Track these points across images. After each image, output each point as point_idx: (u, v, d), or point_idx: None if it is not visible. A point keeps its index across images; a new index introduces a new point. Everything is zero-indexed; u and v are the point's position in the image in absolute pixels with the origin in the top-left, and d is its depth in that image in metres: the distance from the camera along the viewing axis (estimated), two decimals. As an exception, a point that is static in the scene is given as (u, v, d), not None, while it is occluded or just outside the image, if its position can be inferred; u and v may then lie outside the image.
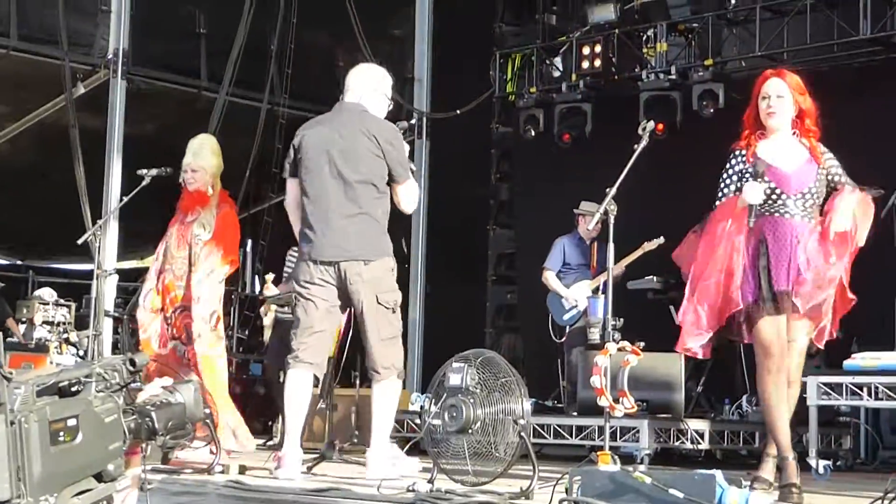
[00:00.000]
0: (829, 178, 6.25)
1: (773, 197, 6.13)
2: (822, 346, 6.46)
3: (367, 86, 6.72)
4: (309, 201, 6.53)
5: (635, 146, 6.84)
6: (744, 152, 6.27)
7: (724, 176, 6.31)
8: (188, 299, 7.91)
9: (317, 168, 6.50)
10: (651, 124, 7.00)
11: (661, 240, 10.04)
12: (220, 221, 8.00)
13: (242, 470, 6.81)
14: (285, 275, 10.22)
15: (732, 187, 6.24)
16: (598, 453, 6.31)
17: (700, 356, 6.50)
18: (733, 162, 6.29)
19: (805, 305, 6.08)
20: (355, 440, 10.15)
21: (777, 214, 6.15)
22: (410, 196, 6.61)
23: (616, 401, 6.58)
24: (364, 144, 6.46)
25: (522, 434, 5.87)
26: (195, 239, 7.94)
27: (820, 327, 6.24)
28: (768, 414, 6.19)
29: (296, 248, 10.33)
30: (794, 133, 6.28)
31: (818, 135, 6.30)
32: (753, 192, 6.03)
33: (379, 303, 6.50)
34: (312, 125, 6.75)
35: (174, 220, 8.18)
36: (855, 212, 6.14)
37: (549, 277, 10.43)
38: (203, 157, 8.10)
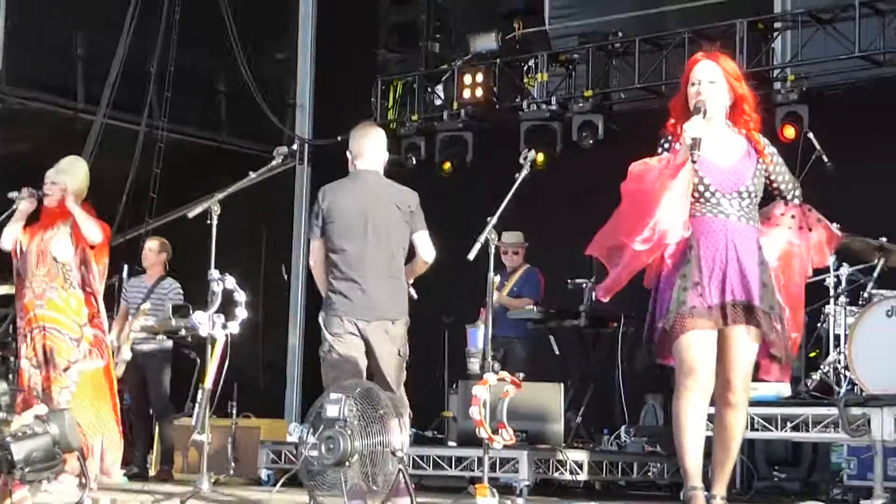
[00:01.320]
0: (772, 179, 5.65)
1: (707, 195, 5.50)
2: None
3: (381, 153, 7.16)
4: (343, 262, 6.90)
5: (516, 175, 6.83)
6: (669, 138, 5.61)
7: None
8: (47, 319, 7.76)
9: (354, 233, 6.93)
10: (532, 153, 7.02)
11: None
12: (77, 233, 7.86)
13: (114, 504, 6.65)
14: (124, 302, 10.15)
15: None
16: (476, 486, 6.27)
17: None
18: (660, 150, 5.60)
19: (751, 314, 5.42)
20: (232, 472, 10.02)
21: (710, 215, 5.51)
22: (429, 243, 7.05)
23: (495, 432, 6.55)
24: (396, 215, 6.96)
25: (401, 466, 5.81)
26: (55, 260, 7.80)
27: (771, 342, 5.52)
28: (678, 437, 5.53)
29: (135, 279, 10.29)
30: (728, 124, 5.65)
31: (759, 124, 5.70)
32: (695, 124, 5.40)
33: (399, 355, 6.89)
34: (338, 192, 7.06)
35: (32, 237, 7.98)
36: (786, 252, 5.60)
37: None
38: (67, 174, 8.03)
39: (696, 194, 5.49)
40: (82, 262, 7.96)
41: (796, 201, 5.70)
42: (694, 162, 5.37)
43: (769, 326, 5.45)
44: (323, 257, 7.00)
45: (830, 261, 8.41)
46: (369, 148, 7.11)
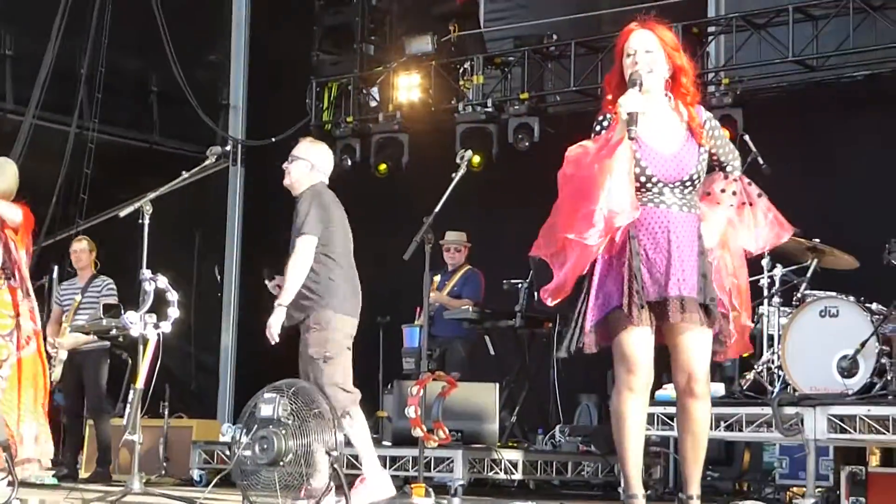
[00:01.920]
0: (712, 152, 5.30)
1: (648, 185, 5.17)
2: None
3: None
4: (335, 262, 7.04)
5: (453, 175, 6.81)
6: (610, 116, 5.18)
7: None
8: None
9: (344, 235, 7.17)
10: (469, 153, 7.01)
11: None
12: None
13: (43, 505, 6.55)
14: (56, 305, 10.07)
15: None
16: (412, 485, 6.24)
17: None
18: (598, 129, 5.19)
19: (693, 308, 5.16)
20: (164, 472, 9.93)
21: (651, 205, 5.18)
22: None
23: (431, 431, 6.52)
24: None
25: (335, 465, 5.77)
26: None
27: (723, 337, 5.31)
28: (619, 436, 5.20)
29: (67, 282, 10.17)
30: (667, 96, 5.27)
31: (697, 98, 5.32)
32: (631, 98, 5.02)
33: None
34: (332, 198, 7.25)
35: None
36: (726, 232, 5.30)
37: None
38: None
39: (638, 184, 5.16)
40: (5, 249, 7.83)
41: (736, 174, 5.40)
42: (632, 139, 5.02)
43: (711, 319, 5.24)
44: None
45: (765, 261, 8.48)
46: (324, 162, 7.32)
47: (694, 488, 5.32)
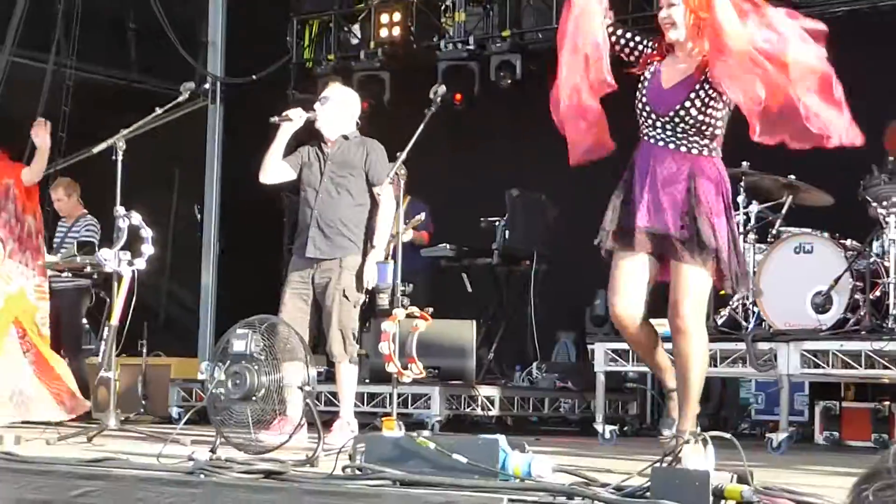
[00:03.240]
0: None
1: (644, 115, 5.50)
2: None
3: None
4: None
5: (426, 110, 6.78)
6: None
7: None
8: None
9: None
10: (443, 88, 6.97)
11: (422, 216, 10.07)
12: None
13: (18, 440, 6.55)
14: (55, 243, 9.99)
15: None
16: (383, 419, 6.26)
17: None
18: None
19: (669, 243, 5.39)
20: (142, 410, 9.96)
21: (645, 137, 5.51)
22: None
23: (405, 367, 6.54)
24: None
25: (308, 401, 5.77)
26: None
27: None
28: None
29: (60, 224, 10.14)
30: (691, 47, 5.43)
31: (711, 57, 5.35)
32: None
33: None
34: None
35: None
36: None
37: None
38: None
39: (638, 114, 5.51)
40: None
41: None
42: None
43: (690, 257, 5.35)
44: None
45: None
46: None
47: (684, 424, 5.42)
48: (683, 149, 5.42)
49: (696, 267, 5.35)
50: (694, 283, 5.39)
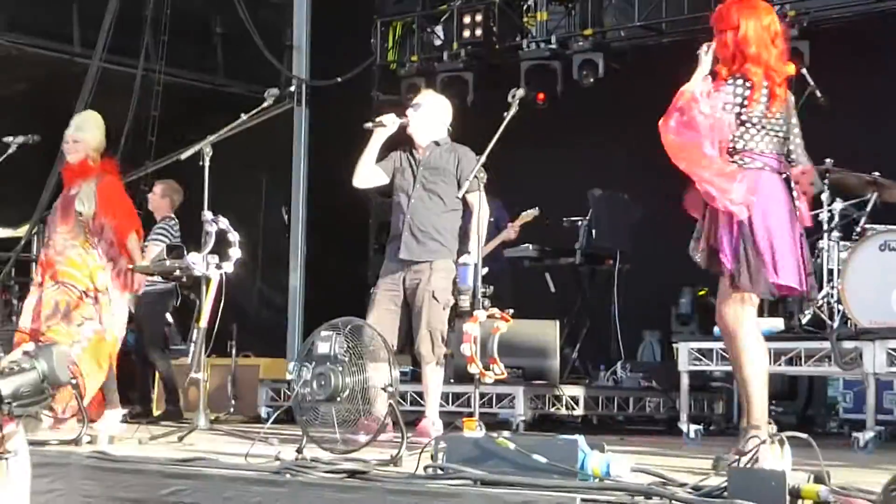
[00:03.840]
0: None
1: None
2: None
3: None
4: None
5: (504, 114, 6.84)
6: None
7: None
8: (65, 275, 7.82)
9: None
10: (521, 91, 7.02)
11: (536, 211, 10.09)
12: (102, 193, 7.91)
13: (111, 440, 6.71)
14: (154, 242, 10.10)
15: None
16: (464, 419, 6.33)
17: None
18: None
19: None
20: (232, 410, 10.12)
21: None
22: None
23: (487, 368, 6.59)
24: None
25: (391, 402, 5.86)
26: (77, 216, 7.87)
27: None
28: None
29: (168, 219, 10.28)
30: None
31: (735, 64, 5.81)
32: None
33: None
34: None
35: (62, 193, 8.13)
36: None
37: None
38: (86, 129, 8.11)
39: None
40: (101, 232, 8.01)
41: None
42: None
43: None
44: None
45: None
46: None
47: (748, 420, 5.72)
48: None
49: (721, 275, 5.77)
50: (722, 288, 5.80)
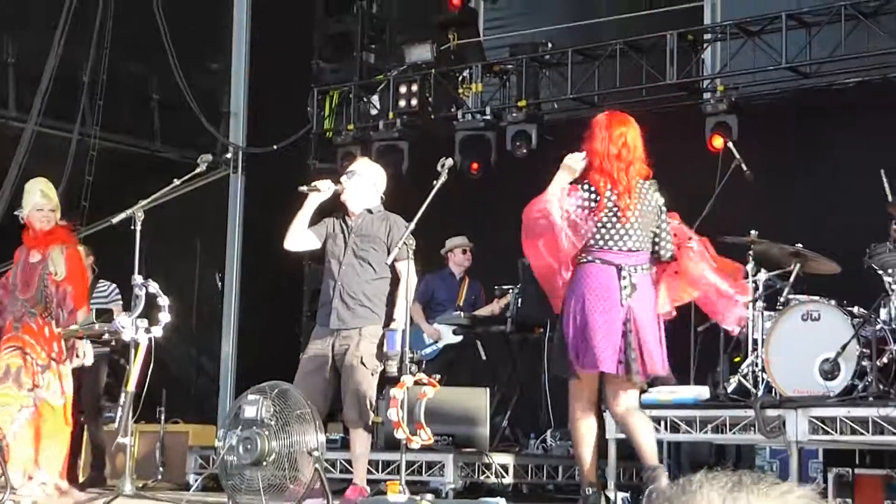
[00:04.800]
0: None
1: None
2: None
3: None
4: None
5: (434, 182, 6.93)
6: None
7: None
8: (22, 342, 7.82)
9: None
10: (450, 161, 7.14)
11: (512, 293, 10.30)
12: (70, 261, 8.01)
13: (33, 506, 6.66)
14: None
15: None
16: (388, 483, 6.35)
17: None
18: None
19: None
20: (160, 477, 10.03)
21: None
22: None
23: (413, 433, 6.62)
24: None
25: (317, 466, 5.87)
26: (42, 286, 7.89)
27: None
28: None
29: (104, 282, 10.25)
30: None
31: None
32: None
33: None
34: None
35: (16, 260, 8.12)
36: None
37: (415, 310, 10.11)
38: (52, 197, 8.23)
39: None
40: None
41: None
42: None
43: None
44: None
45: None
46: None
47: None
48: None
49: None
50: None
